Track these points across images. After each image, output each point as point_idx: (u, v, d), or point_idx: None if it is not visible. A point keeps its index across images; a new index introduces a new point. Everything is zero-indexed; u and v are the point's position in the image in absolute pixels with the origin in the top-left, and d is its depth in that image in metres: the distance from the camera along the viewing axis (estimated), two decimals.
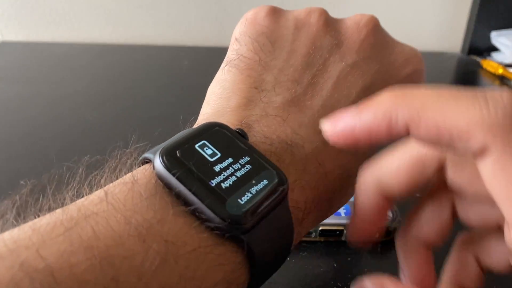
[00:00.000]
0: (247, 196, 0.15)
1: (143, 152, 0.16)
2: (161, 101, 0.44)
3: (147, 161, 0.15)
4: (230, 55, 0.21)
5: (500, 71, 0.52)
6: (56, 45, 0.60)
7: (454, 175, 0.16)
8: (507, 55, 0.56)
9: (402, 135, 0.14)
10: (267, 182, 0.15)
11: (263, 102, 0.18)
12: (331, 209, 0.20)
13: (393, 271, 0.24)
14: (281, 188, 0.15)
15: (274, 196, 0.15)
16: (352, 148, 0.16)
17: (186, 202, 0.14)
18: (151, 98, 0.44)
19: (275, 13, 0.21)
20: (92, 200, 0.14)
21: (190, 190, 0.14)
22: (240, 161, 0.16)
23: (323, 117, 0.18)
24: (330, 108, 0.19)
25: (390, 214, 0.26)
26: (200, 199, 0.14)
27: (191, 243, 0.13)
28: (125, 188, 0.14)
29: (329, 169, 0.18)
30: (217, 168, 0.15)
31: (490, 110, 0.12)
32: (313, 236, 0.26)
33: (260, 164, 0.16)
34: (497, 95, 0.12)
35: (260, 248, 0.15)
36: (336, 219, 0.26)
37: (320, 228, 0.25)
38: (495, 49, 0.59)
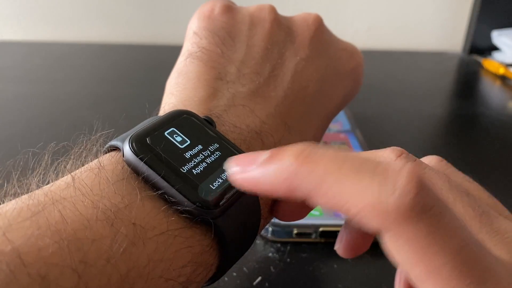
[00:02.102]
0: (218, 182, 0.15)
1: (109, 138, 0.16)
2: (161, 100, 0.43)
3: (114, 148, 0.15)
4: (190, 47, 0.21)
5: (501, 70, 0.52)
6: (55, 44, 0.60)
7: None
8: (508, 55, 0.56)
9: (303, 200, 0.13)
10: None
11: (230, 92, 0.19)
12: None
13: (393, 272, 0.24)
14: None
15: None
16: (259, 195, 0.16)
17: (154, 187, 0.14)
18: (151, 98, 0.44)
19: (231, 9, 0.22)
20: (59, 185, 0.14)
21: (159, 174, 0.14)
22: (209, 148, 0.16)
23: (286, 107, 0.19)
24: (291, 98, 0.20)
25: None
26: (170, 184, 0.14)
27: (160, 227, 0.14)
28: (92, 174, 0.14)
29: None
30: (187, 154, 0.15)
31: (386, 192, 0.11)
32: (313, 237, 0.25)
33: (230, 150, 0.16)
34: (397, 171, 0.12)
35: (229, 232, 0.15)
36: (336, 220, 0.26)
37: (321, 229, 0.25)
38: (496, 48, 0.59)
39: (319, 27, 0.23)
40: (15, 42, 0.60)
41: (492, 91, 0.50)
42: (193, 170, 0.15)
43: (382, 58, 0.58)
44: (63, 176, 0.14)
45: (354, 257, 0.25)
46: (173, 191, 0.14)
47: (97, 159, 0.15)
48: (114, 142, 0.15)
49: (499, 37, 0.58)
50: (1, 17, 0.60)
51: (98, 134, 0.16)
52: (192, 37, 0.22)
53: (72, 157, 0.15)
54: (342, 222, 0.26)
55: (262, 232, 0.26)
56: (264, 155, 0.13)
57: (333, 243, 0.25)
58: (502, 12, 0.58)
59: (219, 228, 0.15)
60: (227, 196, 0.15)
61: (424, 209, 0.11)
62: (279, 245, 0.25)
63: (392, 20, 0.62)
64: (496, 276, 0.12)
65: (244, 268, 0.24)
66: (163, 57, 0.57)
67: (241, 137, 0.18)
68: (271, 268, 0.24)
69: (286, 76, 0.21)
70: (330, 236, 0.25)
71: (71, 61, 0.54)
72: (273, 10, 0.23)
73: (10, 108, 0.42)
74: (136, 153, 0.14)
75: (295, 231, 0.25)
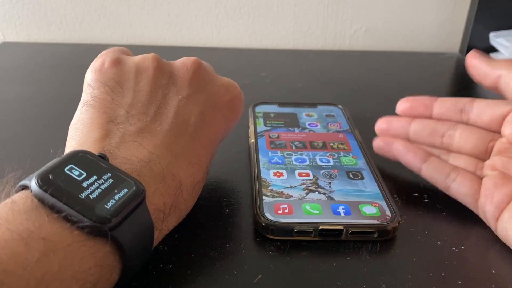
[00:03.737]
0: (112, 202, 0.19)
1: (19, 179, 0.19)
2: None
3: (24, 187, 0.19)
4: (85, 97, 0.25)
5: None
6: (57, 45, 0.60)
7: None
8: (506, 56, 0.56)
9: None
10: (127, 190, 0.19)
11: (120, 132, 0.23)
12: (187, 209, 0.25)
13: (392, 270, 0.24)
14: (139, 194, 0.20)
15: (134, 200, 0.19)
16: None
17: (58, 211, 0.18)
18: None
19: (119, 61, 0.26)
20: None
21: (61, 201, 0.18)
22: (103, 177, 0.20)
23: (171, 138, 0.24)
24: (175, 131, 0.24)
25: (389, 213, 0.27)
26: (70, 207, 0.18)
27: (66, 240, 0.17)
28: (6, 207, 0.17)
29: (182, 178, 0.23)
30: (84, 184, 0.19)
31: None
32: (312, 236, 0.26)
33: (120, 177, 0.20)
34: None
35: (126, 241, 0.19)
36: (336, 219, 0.26)
37: (320, 228, 0.25)
38: (493, 49, 0.59)
39: (197, 69, 0.27)
40: (17, 43, 0.61)
41: (489, 92, 0.51)
42: (90, 196, 0.19)
43: (380, 59, 0.58)
44: None
45: (353, 255, 0.25)
46: (73, 212, 0.18)
47: (9, 197, 0.18)
48: (22, 182, 0.19)
49: (496, 38, 0.58)
50: (3, 18, 0.61)
51: (8, 176, 0.20)
52: (87, 88, 0.26)
53: None
54: (341, 221, 0.26)
55: (262, 231, 0.26)
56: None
57: (332, 242, 0.26)
58: (499, 14, 0.58)
59: (115, 237, 0.18)
60: (121, 212, 0.19)
61: None
62: (279, 243, 0.26)
63: (390, 21, 0.62)
64: None
65: (245, 266, 0.24)
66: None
67: (132, 167, 0.21)
68: (271, 266, 0.24)
69: (169, 113, 0.25)
70: (329, 235, 0.26)
71: (73, 62, 0.54)
72: (156, 58, 0.27)
73: (11, 108, 0.42)
74: (41, 186, 0.18)
75: (295, 230, 0.26)
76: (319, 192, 0.28)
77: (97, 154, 0.21)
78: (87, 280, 0.17)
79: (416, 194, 0.31)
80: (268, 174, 0.30)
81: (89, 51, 0.58)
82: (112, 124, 0.23)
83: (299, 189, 0.29)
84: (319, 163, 0.32)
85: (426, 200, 0.30)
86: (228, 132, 0.29)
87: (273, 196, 0.28)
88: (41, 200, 0.18)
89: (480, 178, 0.28)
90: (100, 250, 0.18)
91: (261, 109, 0.40)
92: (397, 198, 0.30)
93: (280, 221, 0.26)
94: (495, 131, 0.29)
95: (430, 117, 0.31)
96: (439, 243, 0.26)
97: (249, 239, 0.26)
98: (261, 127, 0.37)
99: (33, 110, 0.42)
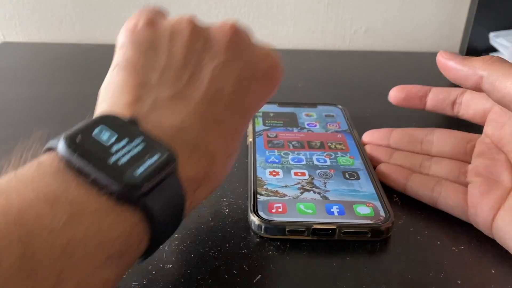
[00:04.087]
0: (142, 168, 0.18)
1: (46, 140, 0.18)
2: None
3: (51, 149, 0.18)
4: (117, 59, 0.24)
5: None
6: (57, 45, 0.60)
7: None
8: (506, 56, 0.56)
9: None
10: (159, 156, 0.18)
11: (152, 96, 0.22)
12: (219, 181, 0.24)
13: (390, 270, 0.24)
14: (171, 161, 0.19)
15: (165, 168, 0.18)
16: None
17: (86, 175, 0.17)
18: None
19: (153, 22, 0.25)
20: (2, 181, 0.16)
21: (88, 164, 0.17)
22: (134, 142, 0.19)
23: (204, 106, 0.22)
24: (209, 98, 0.23)
25: (383, 214, 0.27)
26: (98, 171, 0.17)
27: (93, 205, 0.16)
28: (32, 168, 0.17)
29: (215, 148, 0.22)
30: (114, 148, 0.18)
31: None
32: (306, 235, 0.26)
33: (152, 143, 0.19)
34: None
35: (155, 209, 0.18)
36: (329, 219, 0.26)
37: (313, 227, 0.26)
38: (493, 50, 0.59)
39: (235, 34, 0.25)
40: (17, 43, 0.61)
41: None
42: (119, 160, 0.18)
43: (379, 59, 0.58)
44: (5, 174, 0.17)
45: (353, 255, 0.25)
46: (102, 176, 0.17)
47: (36, 158, 0.18)
48: (50, 143, 0.18)
49: (496, 38, 0.58)
50: (3, 18, 0.61)
51: (35, 137, 0.19)
52: (119, 50, 0.25)
53: (13, 158, 0.18)
54: (334, 220, 0.26)
55: (255, 229, 0.26)
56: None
57: (326, 241, 0.26)
58: (499, 14, 0.58)
59: (145, 205, 0.17)
60: (152, 179, 0.18)
61: None
62: (278, 243, 0.26)
63: (390, 21, 0.62)
64: None
65: (244, 266, 0.24)
66: None
67: (163, 134, 0.20)
68: (271, 265, 0.24)
69: (204, 79, 0.23)
70: (322, 234, 0.26)
71: (73, 63, 0.54)
72: (192, 21, 0.25)
73: (11, 108, 0.42)
74: (68, 148, 0.17)
75: (287, 229, 0.26)
76: (314, 192, 0.28)
77: (127, 118, 0.20)
78: (114, 249, 0.16)
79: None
80: (264, 173, 0.30)
81: (89, 51, 0.58)
82: (144, 88, 0.22)
83: (294, 188, 0.29)
84: (315, 163, 0.32)
85: None
86: (263, 104, 0.27)
87: (268, 195, 0.28)
88: (68, 163, 0.17)
89: (465, 186, 0.28)
90: (129, 218, 0.17)
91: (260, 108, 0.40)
92: (397, 198, 0.30)
93: (273, 220, 0.26)
94: (480, 124, 0.31)
95: (424, 109, 0.33)
96: (438, 243, 0.26)
97: (248, 239, 0.26)
98: (259, 126, 0.37)
99: (32, 110, 0.42)
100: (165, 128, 0.21)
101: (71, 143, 0.17)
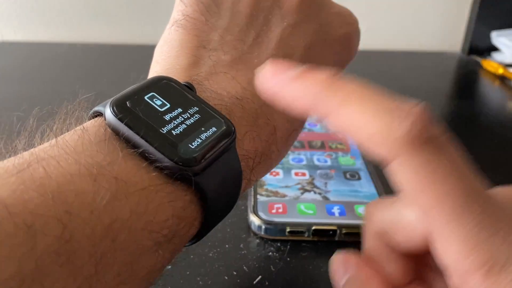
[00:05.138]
0: (197, 142, 0.16)
1: (92, 103, 0.17)
2: None
3: (97, 114, 0.16)
4: (176, 15, 0.21)
5: (501, 71, 0.52)
6: (55, 45, 0.60)
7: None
8: (507, 55, 0.56)
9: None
10: (215, 129, 0.16)
11: (212, 60, 0.19)
12: (278, 159, 0.21)
13: None
14: (229, 135, 0.17)
15: (223, 142, 0.16)
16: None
17: (135, 146, 0.15)
18: None
19: None
20: (44, 146, 0.14)
21: (138, 134, 0.15)
22: (189, 111, 0.17)
23: None
24: None
25: None
26: (150, 143, 0.15)
27: (141, 182, 0.14)
28: (75, 135, 0.15)
29: (277, 122, 0.20)
30: (167, 117, 0.16)
31: (396, 122, 0.13)
32: (306, 236, 0.26)
33: (209, 113, 0.17)
34: (409, 109, 0.13)
35: (210, 189, 0.16)
36: (330, 219, 0.26)
37: (314, 228, 0.25)
38: (495, 49, 0.59)
39: None
40: (16, 43, 0.60)
41: (491, 91, 0.51)
42: (172, 131, 0.16)
43: (381, 59, 0.58)
44: (48, 139, 0.15)
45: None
46: (152, 149, 0.15)
47: (81, 125, 0.16)
48: (96, 108, 0.16)
49: (498, 37, 0.58)
50: (1, 17, 0.60)
51: (81, 99, 0.17)
52: (178, 5, 0.22)
53: (56, 121, 0.16)
54: (334, 221, 0.26)
55: (255, 230, 0.26)
56: (296, 69, 0.15)
57: (327, 242, 0.26)
58: (501, 13, 0.58)
59: (199, 184, 0.15)
60: (207, 155, 0.16)
61: (430, 138, 0.13)
62: (279, 244, 0.26)
63: (392, 20, 0.62)
64: (497, 205, 0.13)
65: (244, 267, 0.24)
66: None
67: (221, 103, 0.18)
68: (271, 267, 0.24)
69: (271, 43, 0.21)
70: (323, 234, 0.26)
71: (72, 62, 0.54)
72: None
73: (10, 108, 0.42)
74: (116, 115, 0.15)
75: (288, 229, 0.25)
76: (315, 192, 0.28)
77: (183, 83, 0.18)
78: (161, 233, 0.14)
79: None
80: None
81: (88, 51, 0.58)
82: (203, 49, 0.20)
83: (295, 188, 0.29)
84: (316, 163, 0.32)
85: None
86: (339, 71, 0.24)
87: (268, 196, 0.28)
88: (115, 131, 0.15)
89: None
90: (180, 198, 0.15)
91: None
92: None
93: (273, 221, 0.26)
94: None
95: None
96: None
97: (248, 240, 0.26)
98: None
99: (31, 109, 0.42)
100: (224, 96, 0.18)
101: (120, 109, 0.15)
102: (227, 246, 0.25)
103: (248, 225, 0.27)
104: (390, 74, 0.53)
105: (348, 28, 0.24)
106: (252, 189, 0.28)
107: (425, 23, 0.62)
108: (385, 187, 0.29)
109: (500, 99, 0.49)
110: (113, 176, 0.14)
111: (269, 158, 0.20)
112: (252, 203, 0.27)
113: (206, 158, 0.16)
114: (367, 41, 0.63)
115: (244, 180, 0.18)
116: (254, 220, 0.26)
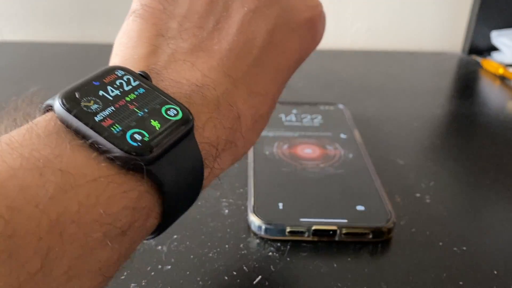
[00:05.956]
0: (150, 130, 0.15)
1: (44, 98, 0.16)
2: None
3: (50, 108, 0.16)
4: (134, 6, 0.21)
5: (501, 71, 0.52)
6: (56, 45, 0.60)
7: None
8: (508, 55, 0.56)
9: None
10: (172, 116, 0.16)
11: (171, 48, 0.19)
12: (246, 147, 0.21)
13: (393, 271, 0.24)
14: (187, 122, 0.16)
15: (180, 129, 0.16)
16: None
17: (85, 137, 0.14)
18: None
19: None
20: None
21: (87, 125, 0.14)
22: (141, 100, 0.16)
23: (231, 60, 0.19)
24: (236, 51, 0.20)
25: (384, 214, 0.26)
26: (98, 133, 0.14)
27: (91, 174, 0.14)
28: (24, 130, 0.14)
29: (241, 109, 0.19)
30: (117, 105, 0.16)
31: None
32: (306, 236, 0.26)
33: (164, 101, 0.16)
34: None
35: (167, 178, 0.15)
36: (330, 219, 0.26)
37: (314, 228, 0.25)
38: (495, 49, 0.59)
39: None
40: (16, 43, 0.60)
41: (491, 91, 0.51)
42: (123, 120, 0.15)
43: (381, 59, 0.58)
44: None
45: (354, 256, 0.25)
46: (102, 139, 0.14)
47: (33, 119, 0.15)
48: (48, 102, 0.16)
49: (498, 37, 0.58)
50: (1, 17, 0.60)
51: (30, 94, 0.17)
52: None
53: (5, 118, 0.16)
54: (335, 221, 0.26)
55: (255, 230, 0.26)
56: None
57: (327, 242, 0.26)
58: (501, 13, 0.58)
59: (154, 173, 0.15)
60: (161, 143, 0.15)
61: None
62: (279, 244, 0.26)
63: (392, 20, 0.62)
64: None
65: (244, 267, 0.24)
66: None
67: (180, 91, 0.18)
68: (271, 267, 0.24)
69: (231, 29, 0.20)
70: (323, 234, 0.26)
71: (72, 62, 0.54)
72: None
73: None
74: (64, 106, 0.15)
75: (288, 230, 0.25)
76: None
77: (138, 72, 0.17)
78: (114, 225, 0.14)
79: (418, 195, 0.30)
80: None
81: (87, 51, 0.58)
82: (161, 38, 0.19)
83: None
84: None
85: (428, 201, 0.30)
86: (303, 60, 0.24)
87: None
88: (65, 123, 0.15)
89: None
90: (134, 189, 0.15)
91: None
92: (399, 199, 0.30)
93: (273, 221, 0.26)
94: None
95: None
96: (440, 243, 0.26)
97: (248, 240, 0.26)
98: None
99: None
100: (183, 84, 0.18)
101: (69, 100, 0.15)
102: (227, 246, 0.25)
103: (248, 225, 0.27)
104: (390, 74, 0.53)
105: (312, 11, 0.23)
106: (253, 189, 0.28)
107: (425, 23, 0.62)
108: (389, 186, 0.29)
109: (500, 99, 0.49)
110: (60, 169, 0.13)
111: (235, 146, 0.19)
112: (252, 203, 0.27)
113: (161, 145, 0.15)
114: (368, 41, 0.63)
115: (207, 169, 0.18)
116: (254, 220, 0.26)
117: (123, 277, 0.23)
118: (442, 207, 0.29)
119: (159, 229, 0.17)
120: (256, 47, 0.20)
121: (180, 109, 0.16)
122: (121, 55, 0.19)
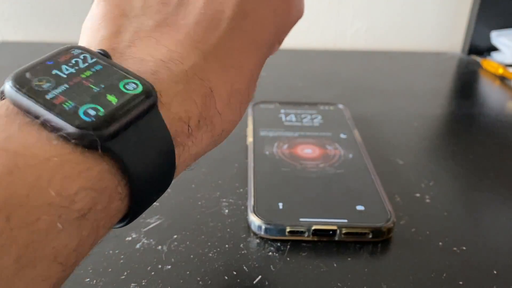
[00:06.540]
0: (106, 105, 0.14)
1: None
2: None
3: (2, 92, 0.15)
4: None
5: (500, 71, 0.52)
6: (56, 45, 0.60)
7: None
8: (507, 55, 0.56)
9: None
10: (130, 90, 0.15)
11: (134, 26, 0.19)
12: (224, 124, 0.19)
13: (393, 271, 0.24)
14: (148, 95, 0.15)
15: (140, 104, 0.15)
16: None
17: (35, 116, 0.14)
18: None
19: None
20: None
21: (37, 103, 0.14)
22: (97, 77, 0.15)
23: (198, 33, 0.18)
24: (204, 24, 0.19)
25: (384, 214, 0.26)
26: (48, 110, 0.14)
27: (42, 153, 0.13)
28: None
29: (213, 83, 0.18)
30: (70, 82, 0.15)
31: None
32: (306, 236, 0.26)
33: (122, 75, 0.16)
34: None
35: (129, 154, 0.14)
36: (330, 219, 0.26)
37: (313, 228, 0.25)
38: (495, 49, 0.59)
39: None
40: (16, 43, 0.60)
41: (491, 91, 0.51)
42: (77, 97, 0.14)
43: (381, 59, 0.58)
44: None
45: (354, 256, 0.25)
46: (53, 116, 0.14)
47: None
48: (2, 87, 0.15)
49: (498, 37, 0.58)
50: (1, 17, 0.60)
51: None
52: None
53: None
54: (335, 221, 0.26)
55: (255, 230, 0.26)
56: None
57: (327, 242, 0.26)
58: (501, 13, 0.58)
59: (112, 150, 0.14)
60: (118, 118, 0.14)
61: None
62: (279, 244, 0.26)
63: (391, 20, 0.62)
64: None
65: (244, 267, 0.24)
66: None
67: (145, 68, 0.17)
68: (271, 267, 0.24)
69: (198, 2, 0.19)
70: (323, 234, 0.26)
71: None
72: None
73: None
74: (14, 86, 0.14)
75: (288, 229, 0.25)
76: None
77: (97, 50, 0.17)
78: (70, 208, 0.13)
79: (418, 195, 0.30)
80: None
81: None
82: (125, 18, 0.19)
83: None
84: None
85: (428, 201, 0.30)
86: (280, 37, 0.23)
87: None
88: (16, 105, 0.14)
89: None
90: (91, 168, 0.14)
91: (261, 108, 0.39)
92: (399, 199, 0.30)
93: (273, 221, 0.26)
94: None
95: None
96: (440, 243, 0.26)
97: (248, 240, 0.26)
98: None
99: None
100: (148, 61, 0.17)
101: (18, 81, 0.14)
102: (227, 246, 0.25)
103: (248, 225, 0.27)
104: (390, 74, 0.53)
105: None
106: (253, 189, 0.28)
107: (425, 23, 0.62)
108: (389, 186, 0.29)
109: (500, 99, 0.49)
110: (9, 151, 0.13)
111: (211, 123, 0.18)
112: (252, 203, 0.27)
113: (118, 120, 0.14)
114: (367, 41, 0.64)
115: (179, 147, 0.17)
116: (254, 220, 0.26)
117: (123, 277, 0.23)
118: (442, 207, 0.29)
119: (130, 214, 0.15)
120: (225, 19, 0.19)
121: (140, 82, 0.15)
122: (86, 39, 0.19)
